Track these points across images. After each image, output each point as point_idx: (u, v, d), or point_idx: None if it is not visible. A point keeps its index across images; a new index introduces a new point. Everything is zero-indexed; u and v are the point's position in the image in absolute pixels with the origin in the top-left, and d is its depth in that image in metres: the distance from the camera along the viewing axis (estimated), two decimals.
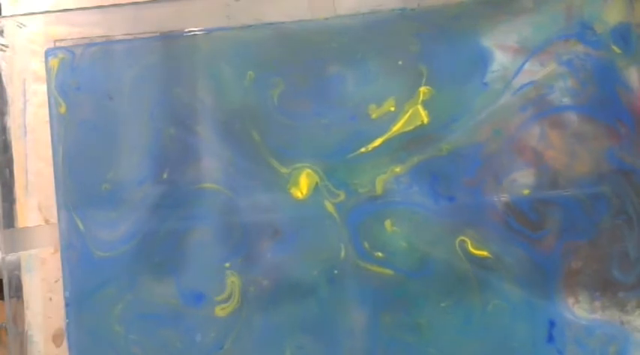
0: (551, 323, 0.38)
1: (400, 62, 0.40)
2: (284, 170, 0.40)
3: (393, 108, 0.40)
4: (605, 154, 0.38)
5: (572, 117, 0.39)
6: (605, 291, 0.38)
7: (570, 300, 0.38)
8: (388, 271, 0.39)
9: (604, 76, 0.38)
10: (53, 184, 0.42)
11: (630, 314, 0.38)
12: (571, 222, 0.38)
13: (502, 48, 0.39)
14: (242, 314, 0.40)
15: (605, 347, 0.38)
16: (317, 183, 0.40)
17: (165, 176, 0.41)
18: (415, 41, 0.40)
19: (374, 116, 0.40)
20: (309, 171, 0.40)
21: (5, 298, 0.42)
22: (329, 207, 0.40)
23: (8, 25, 0.43)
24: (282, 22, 0.41)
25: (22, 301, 0.43)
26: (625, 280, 0.38)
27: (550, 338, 0.38)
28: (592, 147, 0.38)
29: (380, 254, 0.39)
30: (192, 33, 0.42)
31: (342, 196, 0.40)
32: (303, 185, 0.40)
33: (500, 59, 0.39)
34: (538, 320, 0.38)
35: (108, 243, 0.41)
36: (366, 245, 0.39)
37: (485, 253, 0.38)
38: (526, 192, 0.38)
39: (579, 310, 0.38)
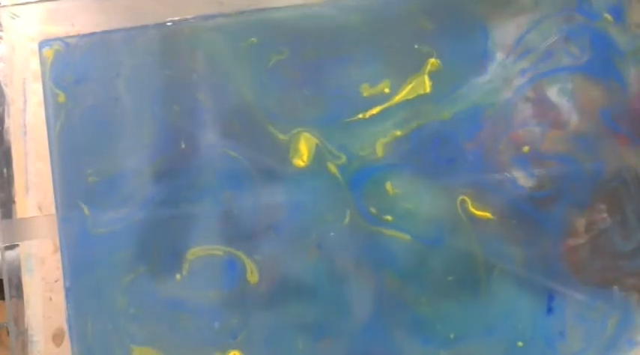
0: (550, 297, 0.38)
1: (416, 46, 0.40)
2: (282, 137, 0.40)
3: (387, 90, 0.40)
4: (600, 113, 0.39)
5: (569, 77, 0.39)
6: (604, 258, 0.38)
7: (571, 268, 0.38)
8: (396, 233, 0.39)
9: (600, 43, 0.39)
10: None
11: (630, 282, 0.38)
12: (571, 183, 0.38)
13: (504, 20, 0.40)
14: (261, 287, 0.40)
15: (605, 320, 0.38)
16: (317, 145, 0.40)
17: (183, 146, 0.41)
18: (423, 16, 0.40)
19: (365, 94, 0.40)
20: (307, 135, 0.40)
21: (6, 298, 0.42)
22: (332, 168, 0.40)
23: (4, 16, 0.43)
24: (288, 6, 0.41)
25: (23, 301, 0.43)
26: (624, 248, 0.38)
27: (549, 310, 0.38)
28: (588, 106, 0.39)
29: (389, 217, 0.39)
30: (186, 20, 0.42)
31: (344, 159, 0.40)
32: (303, 151, 0.40)
33: (502, 30, 0.39)
34: (538, 294, 0.38)
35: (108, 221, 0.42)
36: (372, 209, 0.40)
37: (487, 214, 0.39)
38: (526, 149, 0.39)
39: (579, 279, 0.38)
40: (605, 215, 0.38)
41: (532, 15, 0.39)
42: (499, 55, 0.39)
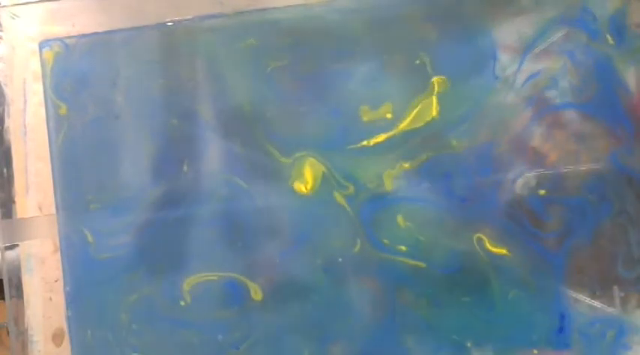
0: (562, 316, 0.38)
1: (418, 61, 0.39)
2: (285, 160, 0.40)
3: (389, 115, 0.39)
4: (608, 156, 0.38)
5: (575, 116, 0.38)
6: (605, 284, 0.38)
7: (575, 294, 0.38)
8: (411, 261, 0.39)
9: (603, 72, 0.38)
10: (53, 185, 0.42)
11: (627, 305, 0.38)
12: (578, 220, 0.38)
13: (508, 26, 0.39)
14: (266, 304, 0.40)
15: (604, 333, 0.38)
16: (323, 173, 0.39)
17: (185, 168, 0.41)
18: (426, 28, 0.39)
19: (365, 118, 0.39)
20: (312, 160, 0.39)
21: (6, 298, 0.42)
22: (339, 198, 0.39)
23: (4, 16, 0.43)
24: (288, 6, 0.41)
25: (23, 301, 0.43)
26: (627, 276, 0.38)
27: (561, 330, 0.38)
28: (595, 147, 0.38)
29: (403, 247, 0.39)
30: (186, 20, 0.42)
31: (351, 189, 0.39)
32: (308, 177, 0.40)
33: (507, 38, 0.39)
34: (549, 314, 0.38)
35: (110, 246, 0.41)
36: (385, 240, 0.39)
37: (503, 251, 0.38)
38: (542, 192, 0.38)
39: (583, 303, 0.38)
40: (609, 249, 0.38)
41: (536, 22, 0.38)
42: (507, 72, 0.39)
